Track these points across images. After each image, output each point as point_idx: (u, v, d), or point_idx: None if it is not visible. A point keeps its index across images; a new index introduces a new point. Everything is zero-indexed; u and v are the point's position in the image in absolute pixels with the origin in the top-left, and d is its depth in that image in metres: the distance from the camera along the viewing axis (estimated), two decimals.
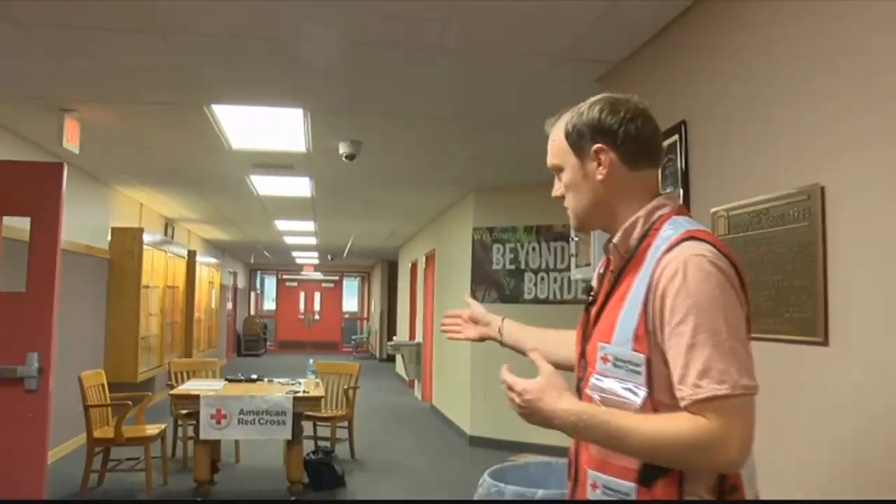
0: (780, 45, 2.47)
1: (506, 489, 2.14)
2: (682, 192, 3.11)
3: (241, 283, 20.78)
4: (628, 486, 1.33)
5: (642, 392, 1.32)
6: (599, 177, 1.44)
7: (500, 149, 5.98)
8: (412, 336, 13.11)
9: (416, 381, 12.15)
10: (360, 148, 5.72)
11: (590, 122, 1.45)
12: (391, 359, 16.42)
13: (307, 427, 6.66)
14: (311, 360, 6.27)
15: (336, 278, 24.61)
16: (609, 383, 1.37)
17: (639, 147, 1.44)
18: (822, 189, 2.20)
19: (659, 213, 1.44)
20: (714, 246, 1.34)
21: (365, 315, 23.98)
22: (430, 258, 11.12)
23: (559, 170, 1.52)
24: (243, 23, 3.46)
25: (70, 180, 6.85)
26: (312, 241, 14.39)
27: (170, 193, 8.70)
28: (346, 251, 16.36)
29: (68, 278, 6.71)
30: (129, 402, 5.41)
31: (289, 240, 14.27)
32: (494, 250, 7.83)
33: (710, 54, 2.96)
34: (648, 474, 1.31)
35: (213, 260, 13.51)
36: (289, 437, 5.20)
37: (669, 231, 1.39)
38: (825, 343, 2.17)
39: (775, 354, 2.40)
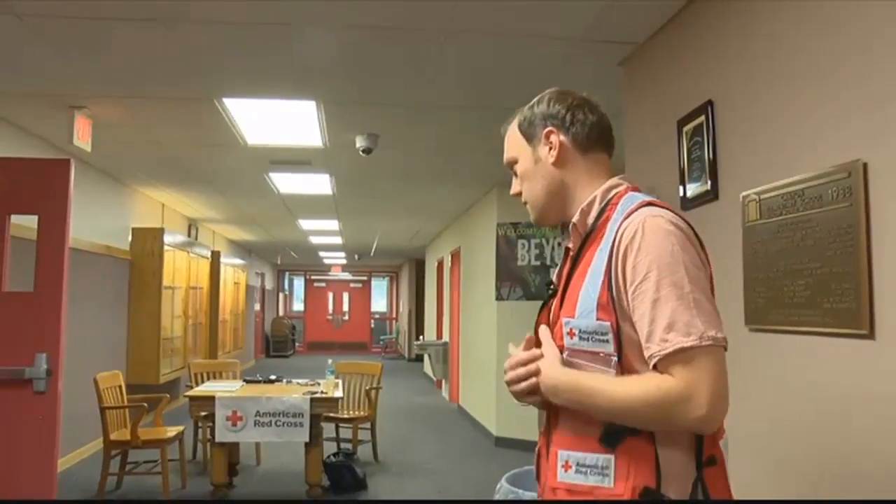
0: (818, 16, 2.26)
1: (523, 495, 2.09)
2: (709, 178, 2.92)
3: (269, 284, 20.79)
4: (600, 458, 1.31)
5: (613, 360, 1.31)
6: (551, 159, 1.49)
7: None
8: (439, 335, 12.97)
9: (443, 381, 12.00)
10: (376, 141, 5.57)
11: (540, 111, 1.52)
12: (419, 359, 16.30)
13: (329, 429, 6.54)
14: (329, 361, 6.14)
15: (364, 278, 24.55)
16: (579, 358, 1.36)
17: (588, 130, 1.49)
18: (865, 165, 1.99)
19: (615, 190, 1.46)
20: (671, 212, 1.36)
21: (394, 315, 23.89)
22: (455, 256, 10.97)
23: (514, 163, 1.56)
24: (250, 10, 3.33)
25: (89, 181, 6.93)
26: (338, 240, 14.31)
27: (190, 193, 8.64)
28: (373, 250, 16.27)
29: (88, 279, 6.69)
30: (145, 405, 5.32)
31: (314, 239, 14.20)
32: (519, 246, 7.64)
33: (737, 30, 2.76)
34: (612, 435, 1.30)
35: (238, 261, 13.48)
36: (306, 439, 5.07)
37: (626, 204, 1.40)
38: (870, 336, 1.96)
39: (813, 349, 2.20)
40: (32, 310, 3.97)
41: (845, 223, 2.05)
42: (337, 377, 6.38)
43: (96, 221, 7.03)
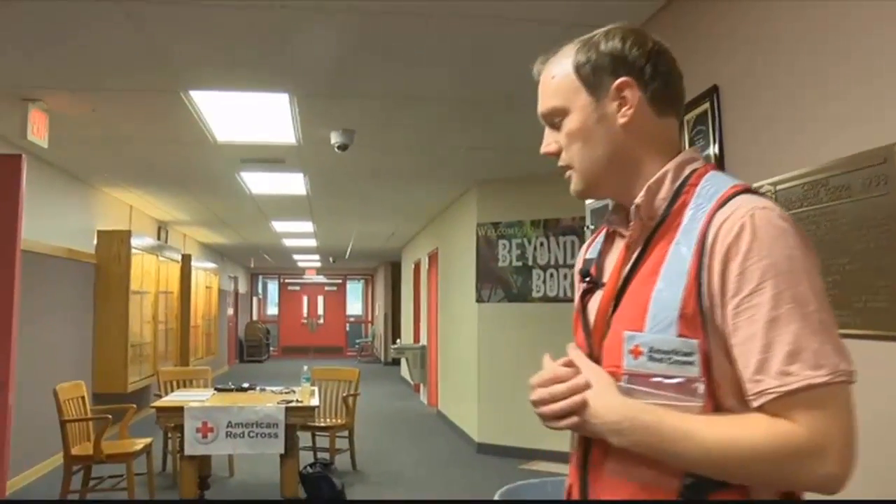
0: None
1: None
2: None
3: (242, 288, 20.40)
4: None
5: (699, 388, 1.00)
6: (623, 119, 1.14)
7: (502, 136, 5.58)
8: (416, 339, 12.73)
9: (421, 386, 11.76)
10: (352, 137, 5.32)
11: (611, 53, 1.15)
12: (396, 362, 16.04)
13: (305, 438, 6.27)
14: (305, 367, 5.87)
15: (339, 281, 24.23)
16: (645, 386, 1.04)
17: (668, 88, 1.16)
18: None
19: (691, 167, 1.15)
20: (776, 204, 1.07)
21: (369, 318, 23.59)
22: (433, 258, 10.74)
23: (560, 115, 1.17)
24: None
25: (49, 181, 6.59)
26: (312, 242, 14.01)
27: (159, 195, 8.32)
28: (348, 253, 15.99)
29: (49, 284, 6.36)
30: (109, 417, 5.02)
31: (288, 242, 13.89)
32: (500, 246, 7.43)
33: (745, 9, 2.56)
34: (698, 489, 1.00)
35: (210, 265, 13.13)
36: (281, 450, 4.80)
37: (711, 187, 1.10)
38: None
39: None
40: None
41: (880, 214, 1.85)
42: (313, 384, 6.11)
43: (58, 223, 6.70)
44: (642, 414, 1.02)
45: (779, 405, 0.95)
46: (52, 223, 6.50)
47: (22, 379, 5.34)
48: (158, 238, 10.08)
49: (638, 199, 1.13)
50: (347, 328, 23.93)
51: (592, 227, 4.12)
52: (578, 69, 1.15)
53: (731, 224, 1.01)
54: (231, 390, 5.58)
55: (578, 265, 1.34)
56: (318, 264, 20.47)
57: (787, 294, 0.97)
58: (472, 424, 7.70)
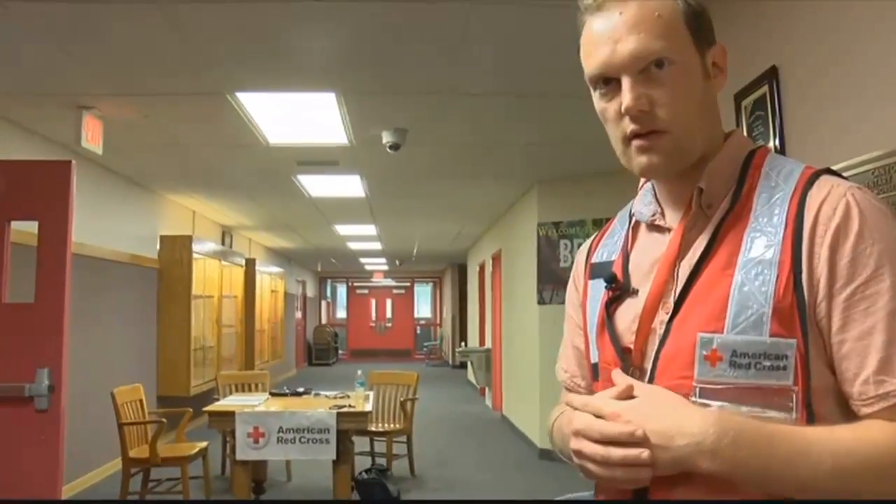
0: None
1: None
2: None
3: (310, 292, 20.62)
4: None
5: (793, 395, 0.86)
6: (718, 89, 1.00)
7: (558, 131, 5.37)
8: (482, 342, 12.58)
9: (486, 389, 11.61)
10: (404, 136, 5.21)
11: (702, 11, 0.98)
12: (463, 365, 15.93)
13: (363, 443, 6.21)
14: (359, 372, 5.79)
15: (407, 284, 24.27)
16: (724, 399, 0.88)
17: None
18: None
19: (748, 148, 1.01)
20: None
21: (438, 321, 23.55)
22: (496, 259, 10.58)
23: (660, 63, 0.93)
24: None
25: (113, 188, 6.71)
26: (377, 245, 14.02)
27: (219, 199, 8.41)
28: (414, 255, 15.95)
29: (113, 289, 6.47)
30: (164, 420, 5.03)
31: (353, 245, 13.93)
32: (562, 247, 7.21)
33: None
34: None
35: (276, 269, 13.26)
36: (333, 456, 4.71)
37: (783, 167, 0.96)
38: None
39: None
40: (33, 322, 3.68)
41: None
42: (369, 389, 6.03)
43: (122, 229, 6.82)
44: (745, 425, 0.84)
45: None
46: (116, 229, 6.62)
47: (86, 382, 5.45)
48: (223, 243, 10.21)
49: (702, 183, 0.97)
50: (417, 331, 23.94)
51: None
52: (688, 15, 0.95)
53: (832, 204, 0.88)
54: (286, 395, 5.55)
55: (581, 270, 1.16)
56: (385, 267, 20.53)
57: None
58: (535, 429, 7.50)
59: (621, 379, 0.95)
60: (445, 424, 9.55)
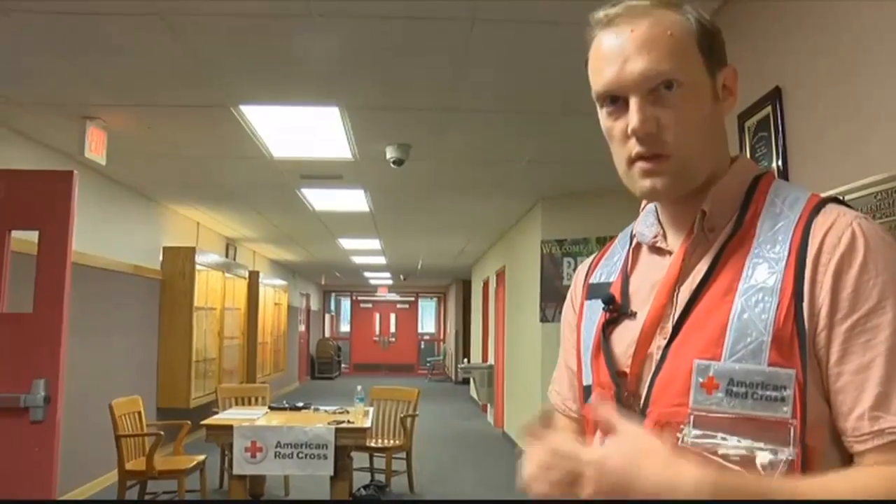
0: None
1: None
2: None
3: (314, 305, 20.60)
4: None
5: (790, 429, 0.82)
6: (727, 113, 0.99)
7: (562, 147, 5.36)
8: (485, 358, 12.54)
9: (488, 406, 11.55)
10: (408, 152, 5.21)
11: (713, 31, 0.96)
12: (466, 381, 15.86)
13: (363, 459, 6.16)
14: (359, 387, 5.76)
15: (412, 299, 24.23)
16: (719, 430, 0.84)
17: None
18: None
19: (754, 173, 0.99)
20: None
21: (442, 336, 23.49)
22: (500, 276, 10.55)
23: (669, 84, 0.91)
24: (259, 3, 3.02)
25: (118, 199, 6.72)
26: (382, 260, 14.01)
27: (223, 211, 8.41)
28: (418, 270, 15.94)
29: (115, 300, 6.46)
30: (161, 433, 5.00)
31: (357, 259, 13.93)
32: (565, 265, 7.18)
33: (808, 2, 2.32)
34: None
35: (280, 281, 13.26)
36: (330, 472, 4.69)
37: (789, 194, 0.95)
38: None
39: None
40: (31, 332, 3.67)
41: None
42: (370, 404, 5.99)
43: (125, 240, 6.82)
44: (738, 481, 0.79)
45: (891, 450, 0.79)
46: (119, 240, 6.62)
47: (86, 392, 5.43)
48: (227, 255, 10.21)
49: (706, 206, 0.95)
50: (421, 346, 23.87)
51: None
52: (701, 36, 0.93)
53: (837, 233, 0.86)
54: (285, 409, 5.52)
55: (579, 290, 1.13)
56: (390, 282, 20.51)
57: None
58: None
59: (604, 409, 0.90)
60: (447, 440, 9.49)
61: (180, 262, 7.73)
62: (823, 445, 0.83)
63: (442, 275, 18.10)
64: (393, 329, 24.07)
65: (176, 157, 5.65)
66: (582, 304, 1.11)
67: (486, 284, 12.71)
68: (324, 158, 5.65)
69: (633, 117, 0.90)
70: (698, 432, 0.85)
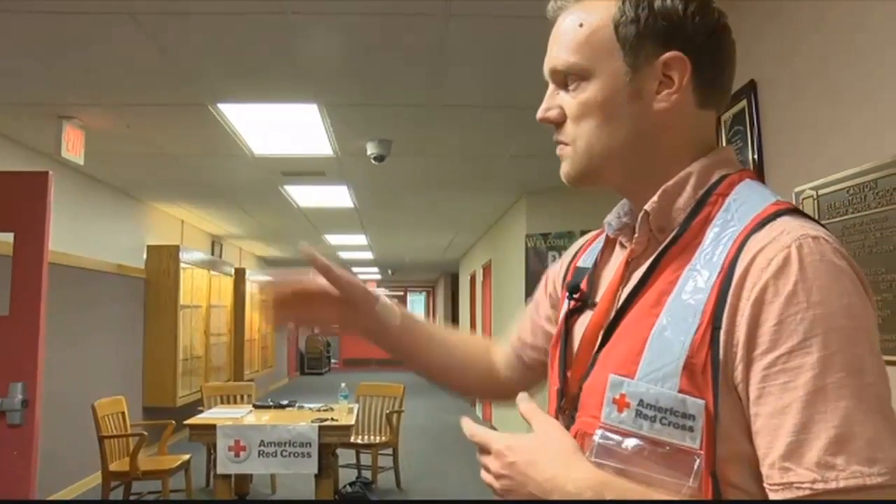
0: None
1: None
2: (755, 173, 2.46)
3: None
4: None
5: (694, 462, 0.75)
6: (661, 105, 0.87)
7: (544, 142, 5.31)
8: None
9: (477, 399, 11.55)
10: (389, 148, 5.18)
11: (668, 15, 0.86)
12: None
13: (349, 455, 6.15)
14: (342, 384, 5.73)
15: (401, 293, 24.17)
16: (630, 445, 0.79)
17: (723, 76, 0.91)
18: None
19: (721, 172, 0.88)
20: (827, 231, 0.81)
21: None
22: (486, 270, 10.55)
23: (579, 77, 0.89)
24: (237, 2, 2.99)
25: (100, 198, 6.67)
26: (369, 255, 13.98)
27: (207, 209, 8.37)
28: (406, 265, 15.91)
29: (99, 300, 6.41)
30: (145, 433, 4.97)
31: (344, 255, 13.89)
32: (549, 258, 7.17)
33: None
34: None
35: (267, 278, 13.18)
36: (314, 470, 4.67)
37: (745, 201, 0.84)
38: None
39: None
40: (7, 335, 3.63)
41: None
42: (354, 401, 5.98)
43: (109, 239, 6.77)
44: (623, 493, 0.77)
45: None
46: (101, 239, 6.57)
47: (69, 394, 5.39)
48: (212, 252, 10.15)
49: (649, 205, 0.88)
50: None
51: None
52: (619, 25, 0.87)
53: (769, 254, 0.76)
54: (269, 407, 5.50)
55: (560, 272, 1.09)
56: (378, 277, 20.47)
57: (839, 358, 0.72)
58: None
59: (524, 405, 0.92)
60: (435, 435, 9.48)
61: (165, 260, 7.67)
62: (746, 484, 0.77)
63: (430, 269, 18.09)
64: None
65: (157, 155, 5.60)
66: (564, 287, 1.07)
67: (472, 278, 12.70)
68: (305, 155, 5.62)
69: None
70: (604, 445, 0.82)
